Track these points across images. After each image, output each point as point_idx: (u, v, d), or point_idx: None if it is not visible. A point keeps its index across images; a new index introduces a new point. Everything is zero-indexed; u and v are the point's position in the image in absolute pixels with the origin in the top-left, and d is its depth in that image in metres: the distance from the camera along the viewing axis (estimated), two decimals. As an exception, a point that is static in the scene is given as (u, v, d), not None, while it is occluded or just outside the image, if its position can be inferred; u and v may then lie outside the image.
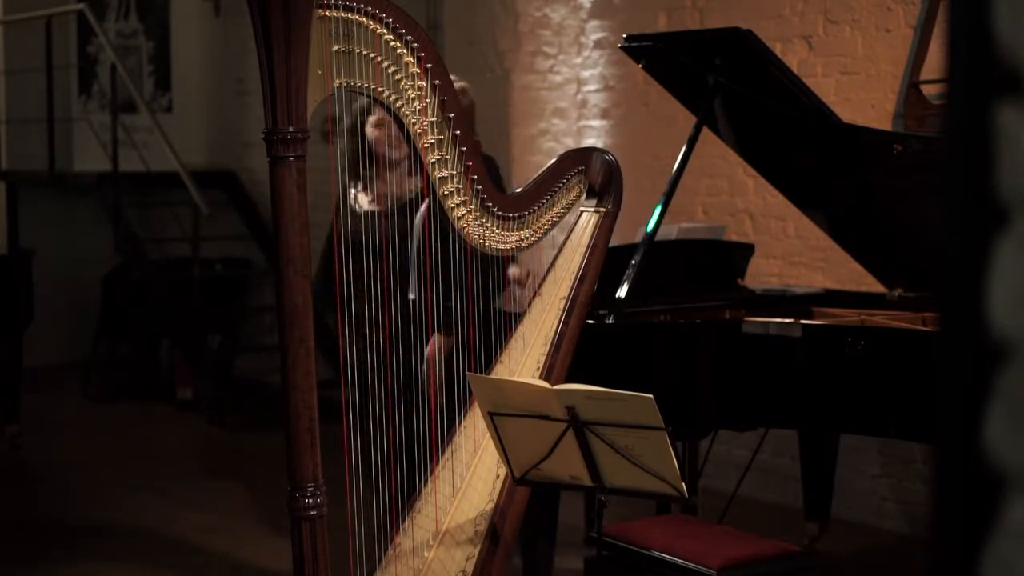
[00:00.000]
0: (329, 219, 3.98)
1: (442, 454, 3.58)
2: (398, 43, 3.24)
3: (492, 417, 3.10)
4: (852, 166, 4.20)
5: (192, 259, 8.45)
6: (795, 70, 4.93)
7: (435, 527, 3.49)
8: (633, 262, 4.08)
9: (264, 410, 7.72)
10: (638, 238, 4.27)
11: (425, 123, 3.34)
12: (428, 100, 3.32)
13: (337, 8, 3.12)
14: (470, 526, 3.47)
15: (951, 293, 0.82)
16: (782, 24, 5.83)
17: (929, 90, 5.21)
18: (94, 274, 9.31)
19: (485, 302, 3.71)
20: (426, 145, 3.36)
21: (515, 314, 3.78)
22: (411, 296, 4.06)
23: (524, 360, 3.65)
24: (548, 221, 3.65)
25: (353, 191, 4.30)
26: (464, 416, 3.63)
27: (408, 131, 3.38)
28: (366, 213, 4.21)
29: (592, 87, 6.86)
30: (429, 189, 3.47)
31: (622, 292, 4.02)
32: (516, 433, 3.10)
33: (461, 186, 3.45)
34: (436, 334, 3.91)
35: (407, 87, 3.28)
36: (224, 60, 9.77)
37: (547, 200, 3.63)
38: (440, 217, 3.55)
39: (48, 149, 8.87)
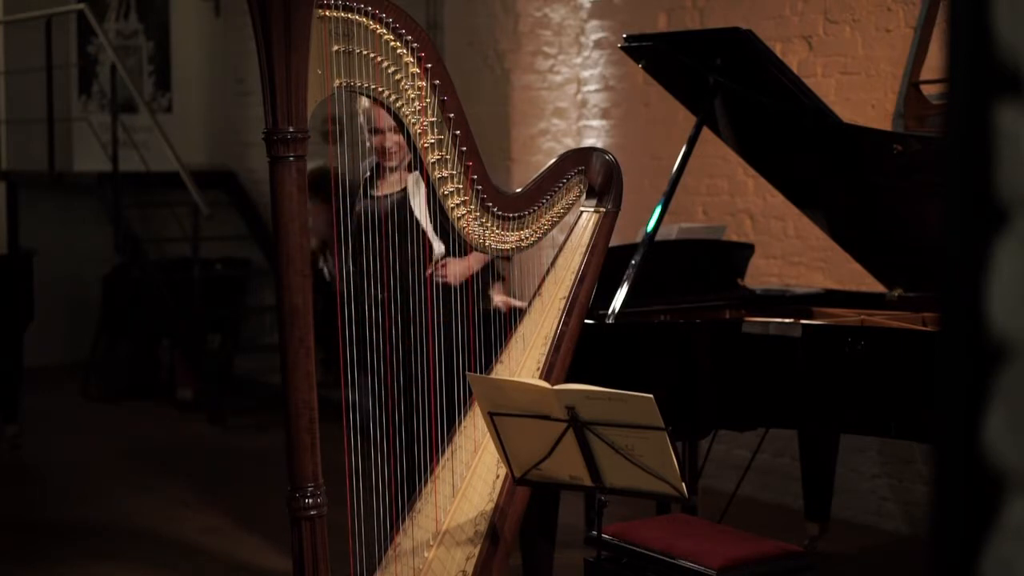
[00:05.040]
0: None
1: (442, 454, 3.58)
2: (398, 43, 3.25)
3: (492, 417, 3.10)
4: (852, 166, 4.20)
5: (192, 259, 8.45)
6: (795, 70, 4.93)
7: (435, 527, 3.49)
8: (633, 262, 4.08)
9: (264, 410, 7.72)
10: (638, 238, 4.27)
11: (425, 123, 3.34)
12: (428, 100, 3.32)
13: (337, 8, 3.12)
14: (470, 526, 3.47)
15: (951, 293, 0.82)
16: (782, 24, 5.83)
17: (929, 90, 5.21)
18: (94, 274, 9.31)
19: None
20: (426, 145, 3.37)
21: (515, 314, 3.79)
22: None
23: (524, 360, 3.65)
24: (548, 221, 3.65)
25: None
26: (464, 416, 3.63)
27: (408, 131, 3.38)
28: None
29: (592, 87, 6.86)
30: (430, 189, 3.47)
31: (618, 301, 4.01)
32: (516, 433, 3.10)
33: (461, 186, 3.45)
34: (446, 260, 3.95)
35: (407, 87, 3.28)
36: (224, 60, 9.77)
37: (547, 200, 3.63)
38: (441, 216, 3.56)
39: (48, 149, 8.86)
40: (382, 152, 4.04)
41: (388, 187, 4.07)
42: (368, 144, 4.07)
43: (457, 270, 3.96)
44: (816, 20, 5.71)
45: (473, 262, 3.96)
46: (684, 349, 3.95)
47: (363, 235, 3.67)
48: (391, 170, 4.07)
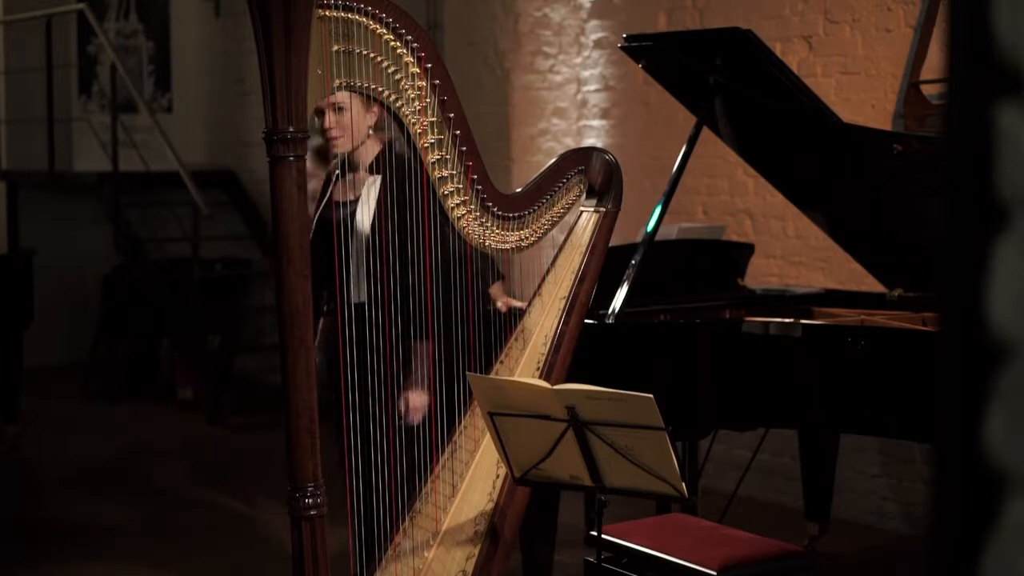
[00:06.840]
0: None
1: (442, 454, 3.58)
2: (398, 43, 3.25)
3: (492, 417, 3.10)
4: (852, 166, 4.20)
5: (192, 259, 8.45)
6: (795, 70, 4.93)
7: (435, 527, 3.49)
8: (633, 262, 4.08)
9: (264, 410, 7.72)
10: (638, 238, 4.27)
11: (425, 123, 3.34)
12: (428, 100, 3.32)
13: (337, 8, 3.12)
14: (470, 526, 3.47)
15: (951, 293, 0.82)
16: (782, 24, 5.83)
17: (929, 90, 5.21)
18: (94, 274, 9.31)
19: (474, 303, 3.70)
20: (426, 145, 3.37)
21: (515, 314, 3.79)
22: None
23: (524, 360, 3.65)
24: (548, 221, 3.65)
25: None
26: (464, 416, 3.62)
27: (408, 131, 3.38)
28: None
29: (592, 87, 6.86)
30: (430, 190, 3.47)
31: (618, 301, 4.00)
32: (516, 433, 3.10)
33: (461, 186, 3.45)
34: (409, 393, 3.72)
35: (407, 87, 3.29)
36: (224, 60, 9.77)
37: (547, 200, 3.63)
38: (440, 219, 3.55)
39: (48, 149, 8.87)
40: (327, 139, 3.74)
41: (351, 190, 3.80)
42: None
43: (418, 405, 3.73)
44: (816, 20, 5.71)
45: (420, 395, 3.75)
46: (684, 349, 3.95)
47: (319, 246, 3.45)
48: (350, 163, 3.79)
